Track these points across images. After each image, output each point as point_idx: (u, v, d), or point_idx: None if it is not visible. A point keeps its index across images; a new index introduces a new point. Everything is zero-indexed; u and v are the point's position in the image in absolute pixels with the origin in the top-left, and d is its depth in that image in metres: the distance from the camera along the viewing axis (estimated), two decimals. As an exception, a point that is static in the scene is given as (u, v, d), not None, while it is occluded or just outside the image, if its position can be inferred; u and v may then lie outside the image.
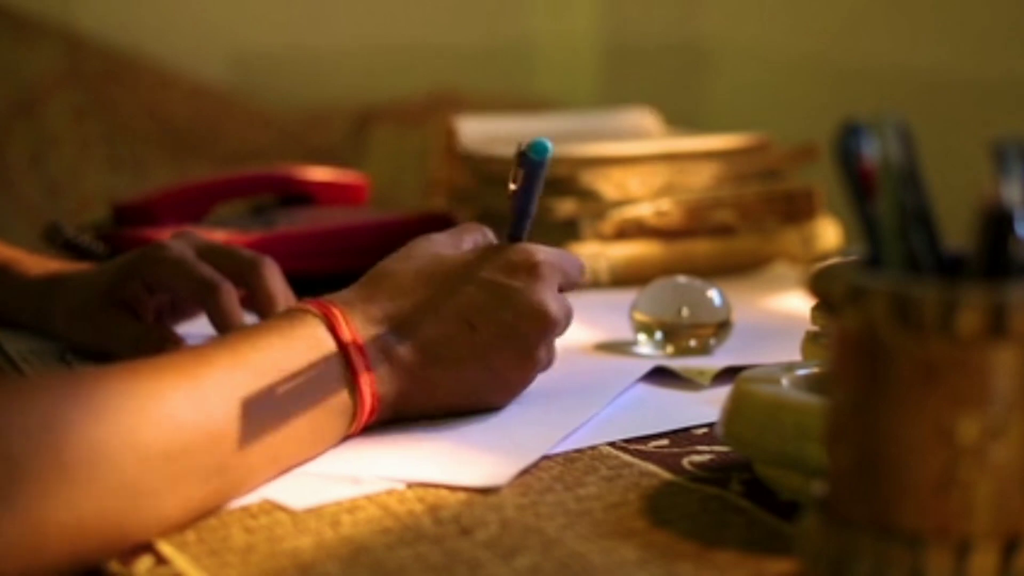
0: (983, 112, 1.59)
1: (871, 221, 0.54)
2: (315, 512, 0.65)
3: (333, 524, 0.64)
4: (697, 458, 0.73)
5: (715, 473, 0.70)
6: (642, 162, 1.16)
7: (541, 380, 0.79)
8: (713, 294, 0.93)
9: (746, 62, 1.84)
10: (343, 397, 0.71)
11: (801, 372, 0.70)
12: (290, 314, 0.72)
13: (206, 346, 0.68)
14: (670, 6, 1.91)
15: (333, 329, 0.71)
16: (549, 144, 0.76)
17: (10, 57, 1.61)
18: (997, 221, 0.51)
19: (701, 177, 1.17)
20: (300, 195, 1.20)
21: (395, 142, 1.35)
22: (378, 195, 1.23)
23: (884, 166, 0.53)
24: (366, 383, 0.71)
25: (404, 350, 0.73)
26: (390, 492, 0.67)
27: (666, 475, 0.70)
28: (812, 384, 0.68)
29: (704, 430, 0.77)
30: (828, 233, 1.21)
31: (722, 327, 0.92)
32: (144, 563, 0.61)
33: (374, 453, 0.72)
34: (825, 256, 1.15)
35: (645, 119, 1.32)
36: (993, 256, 0.52)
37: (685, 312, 0.91)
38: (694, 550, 0.61)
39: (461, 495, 0.67)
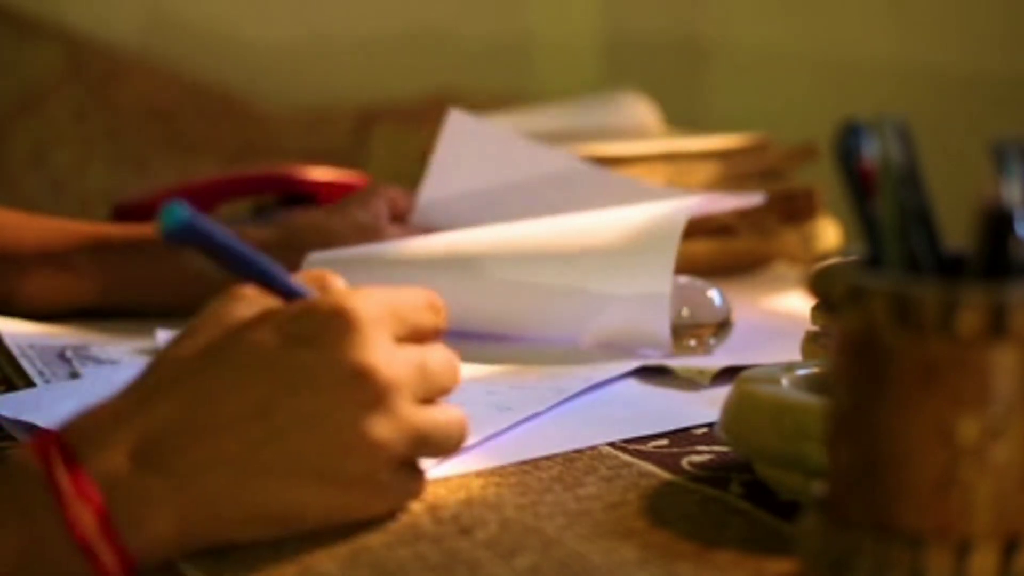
0: (985, 111, 1.59)
1: (871, 221, 0.54)
2: (315, 512, 0.65)
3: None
4: (697, 458, 0.73)
5: (715, 473, 0.70)
6: (642, 162, 1.16)
7: (524, 370, 0.81)
8: (713, 294, 0.93)
9: (747, 59, 1.84)
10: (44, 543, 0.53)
11: (801, 372, 0.70)
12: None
13: None
14: (671, 2, 1.91)
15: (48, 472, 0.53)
16: (179, 210, 0.55)
17: (11, 56, 1.61)
18: (997, 221, 0.51)
19: (701, 177, 1.17)
20: (302, 195, 1.20)
21: (396, 142, 1.35)
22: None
23: (884, 166, 0.53)
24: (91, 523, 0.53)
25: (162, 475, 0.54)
26: (390, 492, 0.67)
27: (666, 475, 0.70)
28: (812, 384, 0.68)
29: (704, 430, 0.77)
30: (828, 233, 1.21)
31: (722, 327, 0.92)
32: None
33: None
34: (825, 256, 1.15)
35: (639, 107, 1.32)
36: (993, 256, 0.52)
37: (685, 312, 0.91)
38: (694, 550, 0.61)
39: (461, 495, 0.67)
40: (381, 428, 0.56)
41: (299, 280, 0.60)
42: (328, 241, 0.96)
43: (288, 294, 0.59)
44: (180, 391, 0.55)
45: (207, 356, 0.56)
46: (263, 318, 0.56)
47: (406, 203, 1.05)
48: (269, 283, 0.59)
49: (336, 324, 0.56)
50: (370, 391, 0.56)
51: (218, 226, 0.56)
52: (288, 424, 0.54)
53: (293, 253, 0.92)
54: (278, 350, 0.55)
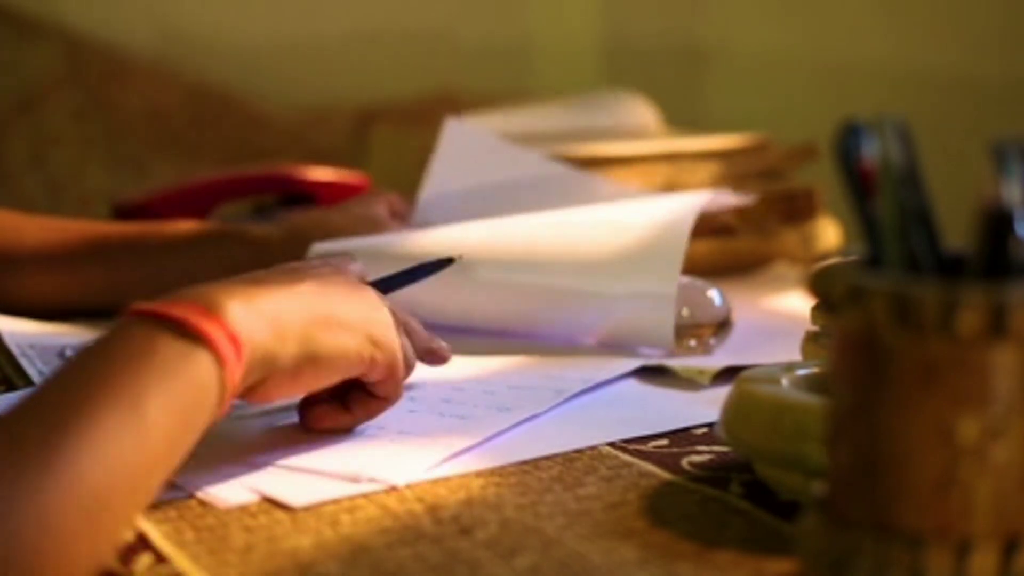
0: (983, 113, 1.58)
1: (871, 221, 0.54)
2: (314, 511, 0.65)
3: (332, 523, 0.64)
4: (697, 458, 0.73)
5: (715, 473, 0.70)
6: (642, 162, 1.16)
7: (524, 371, 0.82)
8: (713, 294, 0.93)
9: (746, 63, 1.84)
10: (211, 385, 0.63)
11: (801, 372, 0.70)
12: (140, 340, 0.62)
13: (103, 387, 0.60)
14: (670, 5, 1.91)
15: (194, 330, 0.63)
16: None
17: (10, 56, 1.61)
18: (997, 221, 0.51)
19: (701, 177, 1.17)
20: (302, 195, 1.20)
21: (395, 142, 1.35)
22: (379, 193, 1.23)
23: (884, 166, 0.53)
24: (238, 359, 0.64)
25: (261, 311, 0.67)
26: (389, 491, 0.67)
27: (665, 475, 0.70)
28: (812, 384, 0.68)
29: (704, 430, 0.77)
30: (828, 233, 1.21)
31: (722, 327, 0.92)
32: (143, 561, 0.61)
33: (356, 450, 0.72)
34: (825, 256, 1.15)
35: (639, 107, 1.32)
36: (993, 256, 0.52)
37: (685, 312, 0.91)
38: (694, 550, 0.61)
39: (461, 495, 0.67)
40: (384, 313, 0.74)
41: (318, 262, 0.76)
42: (331, 237, 0.97)
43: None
44: (270, 279, 0.70)
45: (285, 270, 0.73)
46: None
47: (405, 208, 1.05)
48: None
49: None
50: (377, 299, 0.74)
51: None
52: (335, 300, 0.71)
53: (298, 249, 0.94)
54: (328, 273, 0.74)
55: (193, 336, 0.62)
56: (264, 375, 0.67)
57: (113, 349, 0.62)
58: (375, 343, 0.71)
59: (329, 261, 0.77)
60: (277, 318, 0.67)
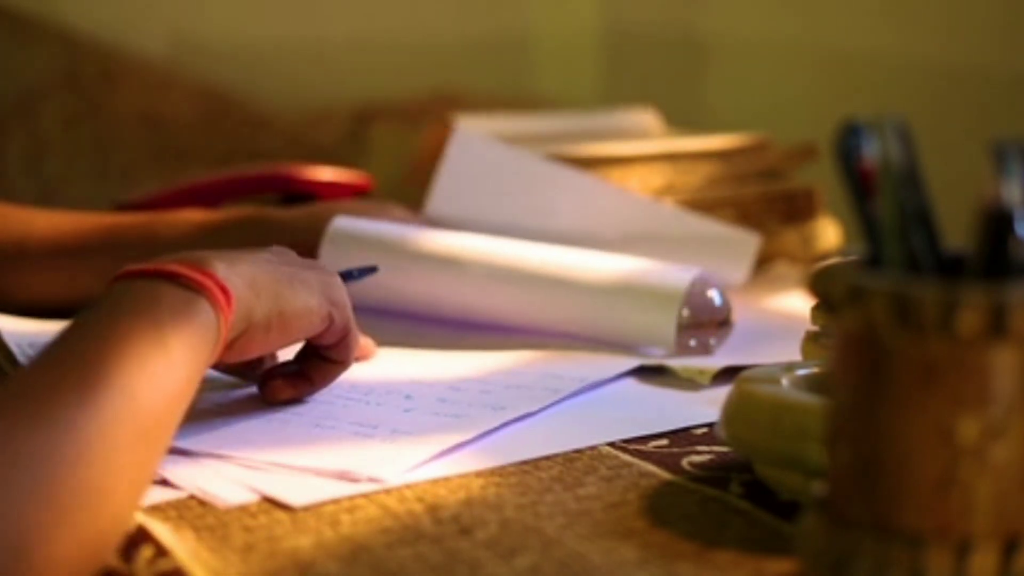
0: (987, 107, 1.58)
1: (871, 221, 0.54)
2: (314, 511, 0.65)
3: (333, 523, 0.64)
4: (697, 458, 0.73)
5: (715, 473, 0.70)
6: (642, 162, 1.16)
7: (521, 370, 0.82)
8: (713, 294, 0.93)
9: (746, 54, 1.83)
10: (211, 327, 0.69)
11: (801, 372, 0.70)
12: (144, 292, 0.68)
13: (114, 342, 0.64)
14: (671, -2, 1.91)
15: (190, 280, 0.69)
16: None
17: (8, 58, 1.61)
18: (997, 221, 0.51)
19: (701, 177, 1.17)
20: (302, 195, 1.20)
21: (395, 141, 1.35)
22: (379, 194, 1.23)
23: (884, 166, 0.53)
24: (227, 308, 0.70)
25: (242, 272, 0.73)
26: (389, 491, 0.67)
27: (665, 475, 0.70)
28: (812, 384, 0.68)
29: (704, 430, 0.77)
30: (828, 233, 1.21)
31: (722, 327, 0.92)
32: (144, 554, 0.60)
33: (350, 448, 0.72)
34: (825, 256, 1.15)
35: (646, 119, 1.32)
36: (993, 256, 0.52)
37: (685, 312, 0.91)
38: (694, 550, 0.61)
39: (461, 495, 0.67)
40: (337, 280, 0.79)
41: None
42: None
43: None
44: (239, 251, 0.75)
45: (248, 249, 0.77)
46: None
47: (414, 221, 1.05)
48: None
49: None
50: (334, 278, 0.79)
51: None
52: (296, 265, 0.77)
53: (317, 236, 0.97)
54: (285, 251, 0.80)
55: (192, 287, 0.68)
56: (243, 328, 0.72)
57: (121, 302, 0.67)
58: (333, 303, 0.77)
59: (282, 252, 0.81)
60: (252, 277, 0.73)
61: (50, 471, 0.56)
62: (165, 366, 0.64)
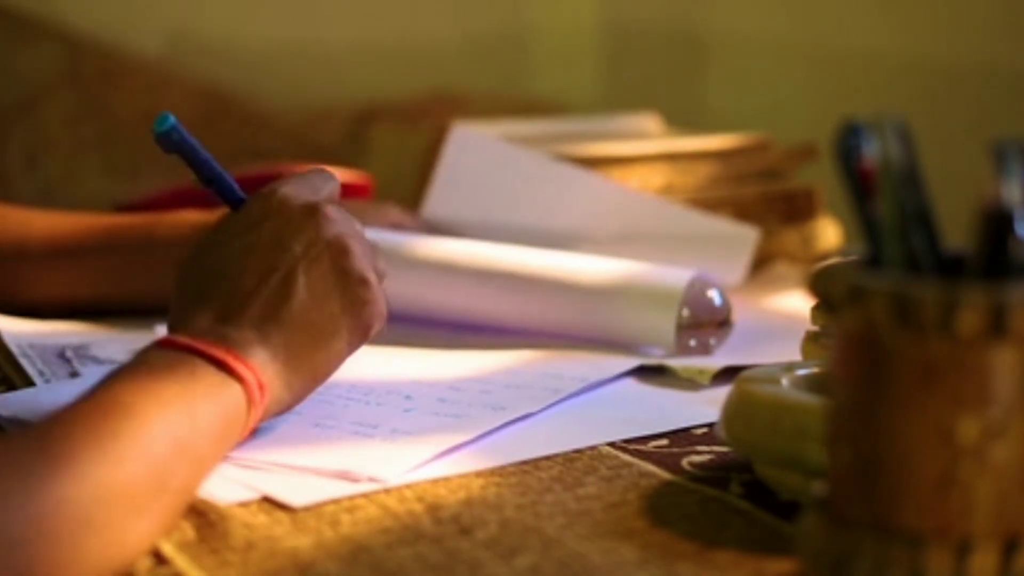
0: (987, 105, 1.58)
1: (871, 221, 0.54)
2: (314, 511, 0.65)
3: (332, 523, 0.64)
4: (697, 458, 0.73)
5: (715, 473, 0.70)
6: (642, 162, 1.16)
7: (521, 370, 0.82)
8: (713, 294, 0.93)
9: (746, 52, 1.83)
10: (242, 414, 0.69)
11: (801, 372, 0.70)
12: (182, 364, 0.67)
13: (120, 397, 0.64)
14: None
15: (230, 370, 0.68)
16: (170, 115, 0.79)
17: (9, 57, 1.61)
18: (997, 221, 0.51)
19: (701, 177, 1.17)
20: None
21: (395, 141, 1.35)
22: (379, 194, 1.23)
23: (884, 166, 0.53)
24: (260, 402, 0.69)
25: (272, 342, 0.71)
26: (389, 491, 0.68)
27: (665, 475, 0.70)
28: (812, 384, 0.68)
29: (704, 430, 0.77)
30: (828, 233, 1.21)
31: (722, 327, 0.92)
32: (144, 563, 0.60)
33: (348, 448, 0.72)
34: (825, 256, 1.15)
35: (648, 124, 1.32)
36: (993, 256, 0.52)
37: (685, 312, 0.91)
38: (694, 550, 0.61)
39: (461, 495, 0.67)
40: (355, 268, 0.76)
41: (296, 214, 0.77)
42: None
43: (234, 201, 0.79)
44: (267, 299, 0.72)
45: (273, 271, 0.74)
46: (234, 226, 0.77)
47: (411, 222, 1.05)
48: (221, 189, 0.79)
49: (267, 210, 0.78)
50: (309, 231, 0.75)
51: (193, 137, 0.79)
52: (326, 304, 0.74)
53: None
54: (311, 254, 0.75)
55: (229, 373, 0.68)
56: (268, 415, 0.71)
57: (157, 365, 0.66)
58: (365, 330, 0.75)
59: (302, 198, 0.77)
60: (287, 349, 0.71)
61: (65, 516, 0.56)
62: (190, 433, 0.64)
